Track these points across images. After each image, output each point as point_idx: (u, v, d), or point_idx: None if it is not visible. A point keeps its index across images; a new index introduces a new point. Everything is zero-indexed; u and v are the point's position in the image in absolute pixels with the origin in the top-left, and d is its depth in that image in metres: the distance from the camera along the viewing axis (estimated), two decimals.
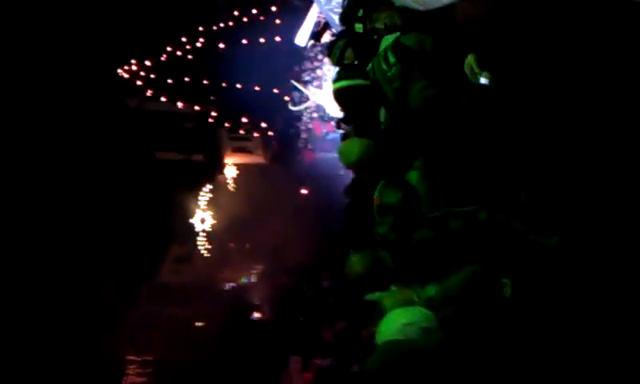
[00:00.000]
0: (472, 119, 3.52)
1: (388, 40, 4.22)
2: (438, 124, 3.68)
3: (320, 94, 16.38)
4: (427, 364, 2.91)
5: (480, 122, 3.50)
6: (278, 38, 18.65)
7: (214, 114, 22.47)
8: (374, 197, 3.96)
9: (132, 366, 24.22)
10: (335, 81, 4.52)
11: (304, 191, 21.08)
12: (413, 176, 3.91)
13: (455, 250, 3.29)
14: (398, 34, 4.17)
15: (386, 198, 3.88)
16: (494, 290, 2.98)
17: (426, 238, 3.52)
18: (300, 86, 16.78)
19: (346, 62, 4.67)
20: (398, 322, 3.09)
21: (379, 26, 4.61)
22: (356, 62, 4.61)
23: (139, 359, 24.21)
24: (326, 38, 15.22)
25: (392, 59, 3.96)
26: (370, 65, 4.25)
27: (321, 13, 15.05)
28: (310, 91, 16.68)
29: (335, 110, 12.09)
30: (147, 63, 21.22)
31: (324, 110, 16.58)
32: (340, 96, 4.47)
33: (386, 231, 3.97)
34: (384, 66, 4.01)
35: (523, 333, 2.83)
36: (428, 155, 3.87)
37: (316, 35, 15.60)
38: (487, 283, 3.02)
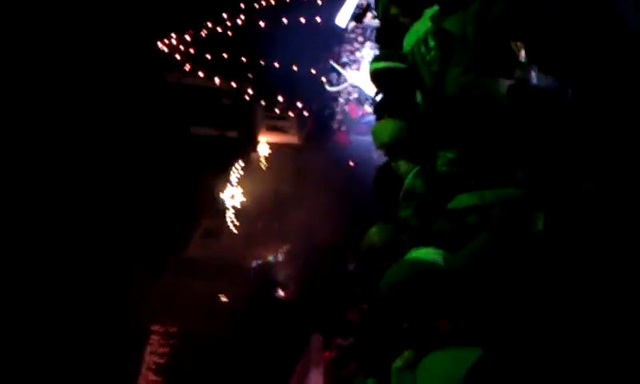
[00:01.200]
0: (508, 107, 3.49)
1: (426, 20, 4.17)
2: (474, 110, 3.66)
3: (358, 76, 16.31)
4: (445, 285, 2.83)
5: (516, 110, 3.46)
6: (318, 18, 18.54)
7: (250, 91, 22.46)
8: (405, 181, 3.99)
9: (155, 337, 24.50)
10: (372, 62, 4.50)
11: (336, 172, 21.01)
12: (445, 160, 3.89)
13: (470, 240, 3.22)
14: (435, 9, 4.11)
15: (414, 183, 3.93)
16: (527, 221, 2.94)
17: (443, 229, 3.50)
18: (338, 67, 16.72)
19: (391, 14, 4.58)
20: (423, 251, 3.11)
21: None
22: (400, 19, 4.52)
23: (162, 331, 24.47)
24: (367, 19, 15.15)
25: (432, 43, 3.97)
26: (408, 47, 4.24)
27: None
28: (348, 73, 16.61)
29: (373, 92, 12.06)
30: (187, 38, 21.31)
31: (361, 93, 16.51)
32: (376, 77, 4.45)
33: (409, 215, 3.98)
34: (423, 50, 4.01)
35: (551, 269, 2.71)
36: (461, 140, 3.83)
37: (357, 17, 15.53)
38: (520, 213, 2.98)
